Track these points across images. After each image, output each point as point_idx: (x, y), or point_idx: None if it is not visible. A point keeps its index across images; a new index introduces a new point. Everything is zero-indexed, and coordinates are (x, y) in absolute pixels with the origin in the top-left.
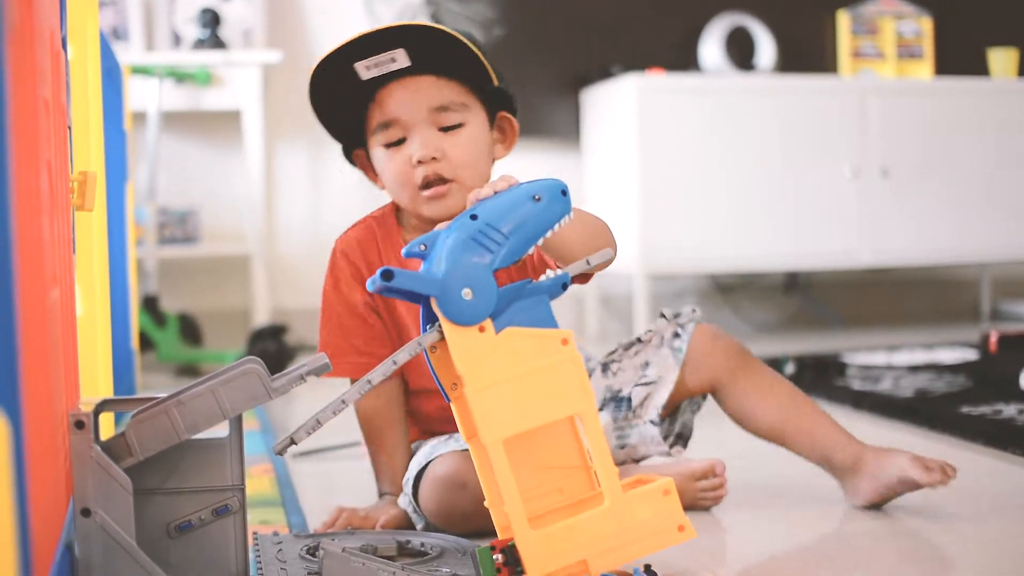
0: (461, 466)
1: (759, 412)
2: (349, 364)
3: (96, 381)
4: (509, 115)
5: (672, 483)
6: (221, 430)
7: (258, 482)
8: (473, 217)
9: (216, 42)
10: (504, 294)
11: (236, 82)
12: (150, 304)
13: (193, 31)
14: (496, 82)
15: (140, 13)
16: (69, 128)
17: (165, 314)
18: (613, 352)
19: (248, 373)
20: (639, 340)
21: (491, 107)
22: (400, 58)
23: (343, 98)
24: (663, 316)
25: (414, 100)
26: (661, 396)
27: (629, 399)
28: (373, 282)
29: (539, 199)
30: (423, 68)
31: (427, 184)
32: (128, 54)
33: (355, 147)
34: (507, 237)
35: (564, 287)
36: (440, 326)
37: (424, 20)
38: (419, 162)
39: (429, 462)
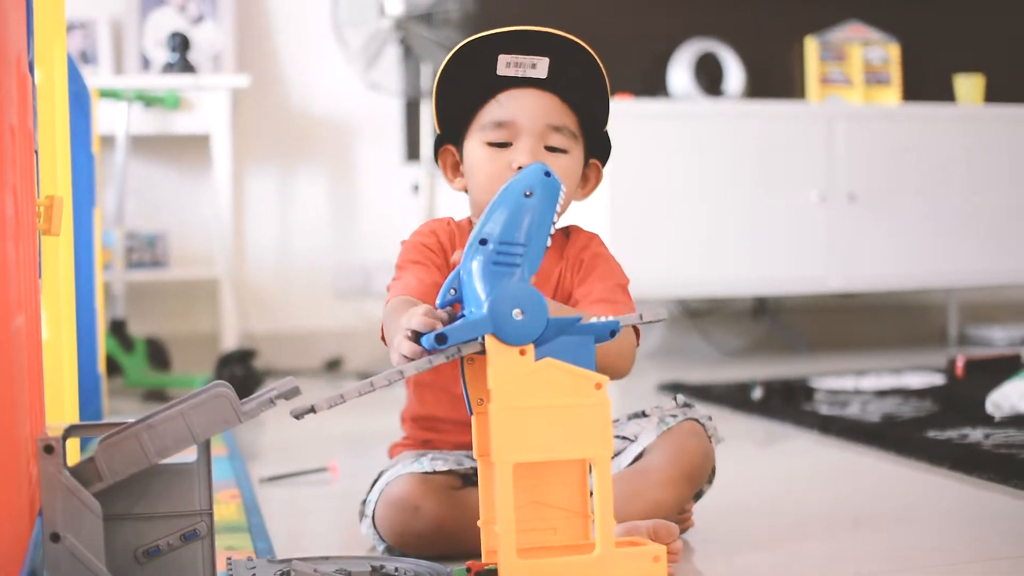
0: (415, 489)
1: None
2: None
3: (62, 406)
4: (598, 164)
5: (664, 551)
6: (189, 455)
7: (225, 508)
8: (483, 242)
9: (185, 66)
10: (553, 324)
11: (205, 106)
12: (118, 328)
13: (162, 55)
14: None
15: (109, 37)
16: (36, 152)
17: (133, 338)
18: (617, 419)
19: (218, 397)
20: (643, 413)
21: (588, 150)
22: (540, 67)
23: (466, 86)
24: (675, 399)
25: (536, 111)
26: (628, 456)
27: None
28: (431, 347)
29: (530, 194)
30: (553, 86)
31: None
32: (97, 77)
33: (447, 142)
34: (525, 244)
35: (612, 334)
36: (483, 339)
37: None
38: (520, 168)
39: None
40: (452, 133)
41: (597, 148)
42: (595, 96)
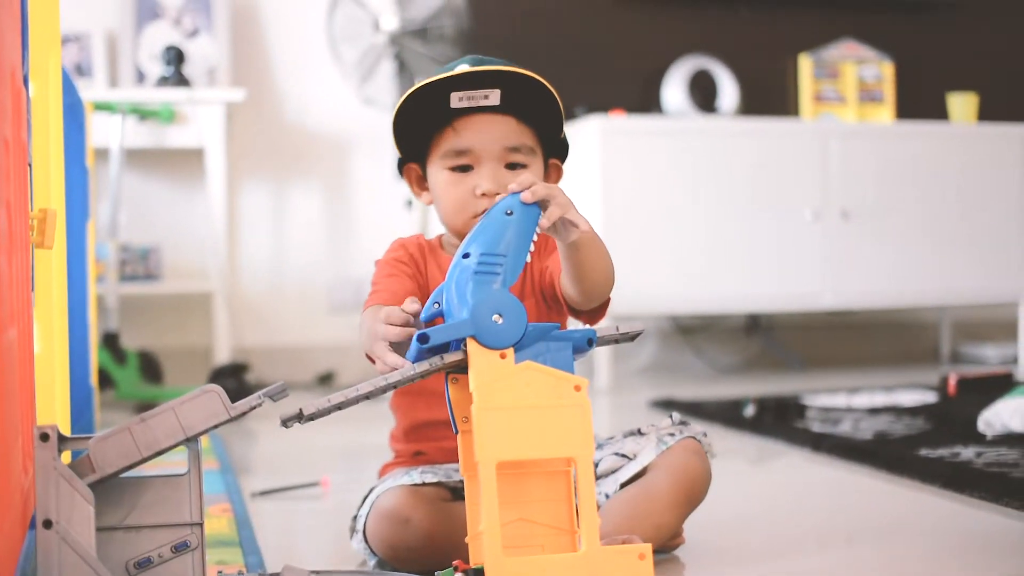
0: (406, 500)
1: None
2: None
3: (54, 419)
4: (558, 163)
5: (650, 549)
6: (180, 467)
7: (216, 522)
8: (465, 256)
9: (180, 79)
10: (532, 331)
11: (199, 120)
12: (110, 341)
13: (157, 68)
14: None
15: (104, 50)
16: (30, 165)
17: (125, 351)
18: (612, 436)
19: (207, 392)
20: (639, 431)
21: (547, 154)
22: (493, 97)
23: (423, 115)
24: (671, 417)
25: (493, 136)
26: (626, 473)
27: (596, 464)
28: (415, 352)
29: (511, 212)
30: (507, 109)
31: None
32: (92, 90)
33: (410, 161)
34: (505, 255)
35: (590, 343)
36: (465, 346)
37: (513, 67)
38: (483, 194)
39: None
40: (414, 153)
41: (556, 149)
42: (548, 113)
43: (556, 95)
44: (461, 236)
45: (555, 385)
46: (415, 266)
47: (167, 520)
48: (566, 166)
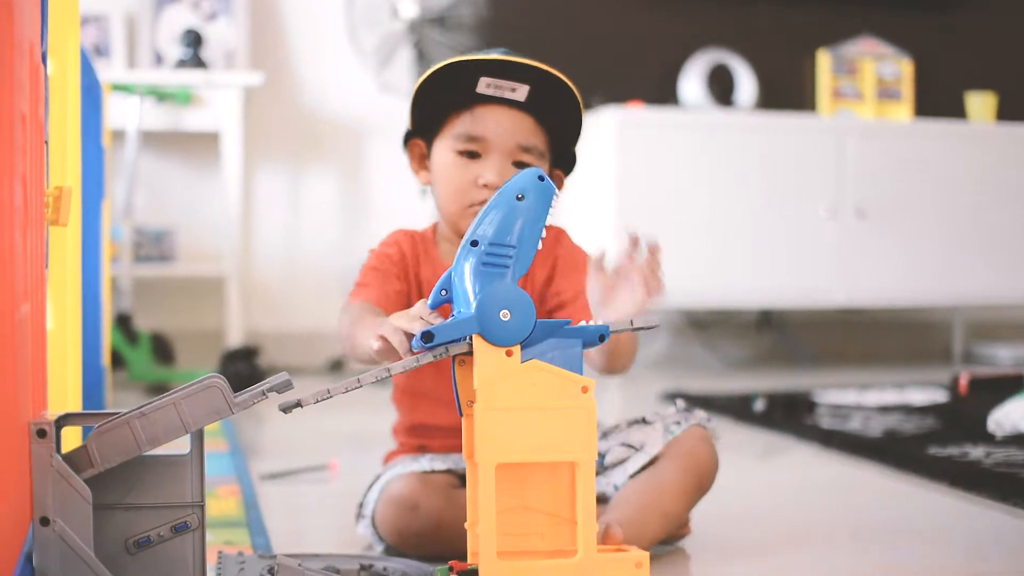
0: (415, 488)
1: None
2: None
3: (65, 397)
4: (561, 175)
5: (647, 558)
6: (182, 447)
7: (224, 503)
8: (474, 243)
9: (198, 62)
10: (541, 327)
11: (216, 103)
12: (123, 322)
13: (175, 51)
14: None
15: (123, 31)
16: (46, 143)
17: (138, 332)
18: (617, 425)
19: (210, 387)
20: (644, 420)
21: (554, 163)
22: (520, 92)
23: (446, 93)
24: (675, 404)
25: (509, 130)
26: (635, 464)
27: (603, 455)
28: (418, 345)
29: (522, 197)
30: (529, 108)
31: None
32: (109, 71)
33: (417, 135)
34: (515, 247)
35: (602, 339)
36: (471, 339)
37: (540, 64)
38: (485, 185)
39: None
40: (423, 127)
41: (562, 161)
42: (569, 123)
43: (583, 107)
44: (454, 224)
45: (561, 386)
46: (404, 267)
47: (168, 500)
48: (581, 159)
